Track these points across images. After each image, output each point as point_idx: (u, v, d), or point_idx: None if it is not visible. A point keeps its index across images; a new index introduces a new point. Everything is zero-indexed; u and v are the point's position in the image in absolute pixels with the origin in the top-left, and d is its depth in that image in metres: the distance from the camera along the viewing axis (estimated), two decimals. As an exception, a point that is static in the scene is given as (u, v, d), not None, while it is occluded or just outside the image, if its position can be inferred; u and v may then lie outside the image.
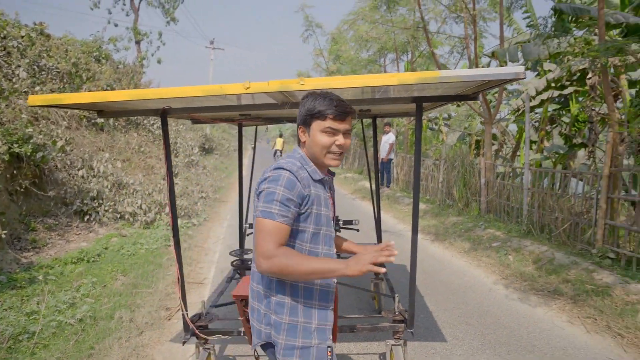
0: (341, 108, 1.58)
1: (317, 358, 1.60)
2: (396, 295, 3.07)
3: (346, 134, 1.63)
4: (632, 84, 7.95)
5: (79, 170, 7.68)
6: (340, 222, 3.38)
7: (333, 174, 1.81)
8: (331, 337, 1.68)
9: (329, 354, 1.64)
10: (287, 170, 1.54)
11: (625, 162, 6.50)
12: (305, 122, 1.64)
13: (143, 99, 2.24)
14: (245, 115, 3.71)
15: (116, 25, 22.75)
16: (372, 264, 1.39)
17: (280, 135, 22.23)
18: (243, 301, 2.39)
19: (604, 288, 4.48)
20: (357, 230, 3.84)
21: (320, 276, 1.44)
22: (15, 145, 5.86)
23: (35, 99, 2.09)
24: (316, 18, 15.11)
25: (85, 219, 7.04)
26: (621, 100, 7.74)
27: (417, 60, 13.01)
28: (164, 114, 2.67)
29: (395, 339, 2.89)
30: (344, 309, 4.19)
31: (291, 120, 4.12)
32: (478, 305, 4.44)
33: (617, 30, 6.52)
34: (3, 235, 5.14)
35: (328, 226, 1.68)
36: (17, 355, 3.03)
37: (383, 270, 1.48)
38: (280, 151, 20.97)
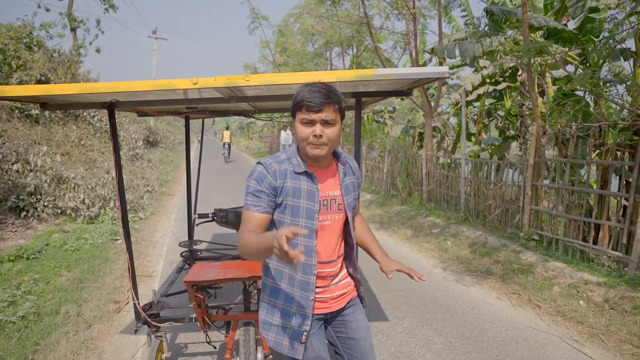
0: (315, 99, 1.58)
1: (291, 338, 1.70)
2: None
3: (326, 123, 1.62)
4: (556, 81, 8.68)
5: (12, 164, 7.29)
6: None
7: (344, 162, 1.82)
8: (309, 325, 1.69)
9: (304, 337, 1.69)
10: (261, 164, 1.67)
11: (552, 152, 7.14)
12: (293, 114, 1.68)
13: (91, 93, 2.27)
14: (192, 108, 3.76)
15: (48, 10, 21.32)
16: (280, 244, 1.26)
17: (227, 128, 22.24)
18: (194, 287, 2.50)
19: (527, 267, 4.96)
20: None
21: (263, 251, 1.42)
22: (-59, 139, 5.50)
23: (-25, 92, 2.06)
24: (262, 10, 15.03)
25: (22, 215, 6.72)
26: (546, 96, 8.43)
27: (363, 55, 13.34)
28: (111, 107, 2.69)
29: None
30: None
31: (238, 113, 4.20)
32: (418, 287, 4.77)
33: (541, 32, 7.09)
34: None
35: (308, 218, 1.67)
36: (-44, 355, 2.95)
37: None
38: (229, 144, 21.02)
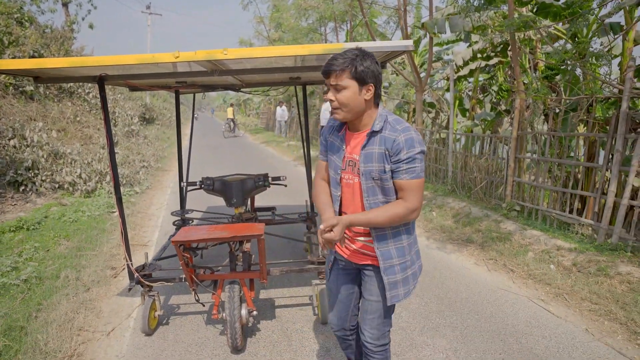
0: (325, 67, 1.73)
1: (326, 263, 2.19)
2: None
3: (336, 89, 1.73)
4: (547, 56, 8.75)
5: (9, 140, 7.44)
6: (270, 179, 3.74)
7: (375, 133, 1.81)
8: (332, 259, 2.13)
9: (330, 266, 2.15)
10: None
11: (542, 127, 7.31)
12: None
13: (80, 66, 2.43)
14: (181, 82, 3.90)
15: (40, -15, 20.99)
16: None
17: (232, 105, 23.48)
18: (182, 246, 2.71)
19: (506, 235, 5.20)
20: (285, 186, 4.22)
21: (319, 211, 1.93)
22: (-61, 114, 5.63)
23: (-28, 65, 2.22)
24: (257, -16, 14.92)
25: (21, 190, 6.92)
26: (537, 71, 8.52)
27: (357, 30, 13.31)
28: (101, 81, 2.84)
29: (320, 279, 3.33)
30: (278, 258, 4.60)
31: (226, 87, 4.34)
32: (401, 254, 5.00)
33: (530, 7, 7.14)
34: None
35: (334, 171, 1.94)
36: (-36, 313, 3.19)
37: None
38: (233, 120, 22.27)
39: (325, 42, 14.76)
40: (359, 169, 1.84)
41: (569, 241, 4.65)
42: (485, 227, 5.62)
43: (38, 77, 2.86)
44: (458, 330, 3.26)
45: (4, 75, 8.87)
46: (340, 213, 1.96)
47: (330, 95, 1.75)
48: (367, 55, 1.74)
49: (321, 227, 1.71)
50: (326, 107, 12.54)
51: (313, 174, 4.97)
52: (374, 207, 1.84)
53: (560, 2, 6.44)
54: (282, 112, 19.87)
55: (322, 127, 12.76)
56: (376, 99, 1.81)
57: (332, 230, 1.69)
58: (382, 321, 2.00)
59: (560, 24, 6.44)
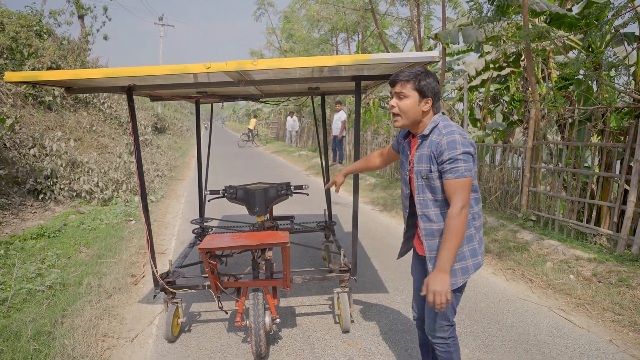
0: (394, 77, 2.00)
1: None
2: (342, 248, 3.53)
3: (399, 96, 1.99)
4: (560, 66, 8.76)
5: (29, 149, 7.59)
6: (292, 187, 3.78)
7: (422, 137, 2.04)
8: (412, 247, 2.39)
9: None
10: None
11: (555, 137, 7.29)
12: None
13: (112, 77, 2.50)
14: (202, 92, 3.98)
15: (57, -2, 21.44)
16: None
17: (255, 116, 24.49)
18: (208, 254, 2.75)
19: (523, 245, 5.18)
20: (307, 195, 4.25)
21: None
22: (-37, 123, 5.78)
23: (12, 76, 2.30)
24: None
25: (40, 198, 7.04)
26: (549, 81, 8.54)
27: (368, 41, 13.43)
28: (129, 91, 2.92)
29: (341, 287, 3.35)
30: (297, 267, 4.62)
31: (245, 97, 4.42)
32: (417, 263, 5.00)
33: (544, 17, 7.18)
34: (-42, 213, 5.15)
35: (404, 170, 2.19)
36: (-8, 318, 3.25)
37: None
38: (252, 130, 23.08)
39: (337, 53, 14.89)
40: (412, 167, 2.09)
41: (587, 251, 4.62)
42: (501, 236, 5.60)
43: (69, 87, 2.94)
44: (480, 340, 3.25)
45: (24, 86, 9.07)
46: (411, 207, 2.22)
47: (393, 102, 2.00)
48: (430, 73, 1.98)
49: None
50: (338, 117, 12.61)
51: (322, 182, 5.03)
52: (423, 204, 2.05)
53: (574, 13, 6.48)
54: (292, 123, 20.00)
55: (335, 136, 12.84)
56: (435, 110, 2.04)
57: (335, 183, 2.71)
58: (436, 313, 2.09)
59: (574, 34, 6.47)
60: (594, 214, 5.15)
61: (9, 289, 3.70)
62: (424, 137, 2.02)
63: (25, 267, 4.16)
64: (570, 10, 7.22)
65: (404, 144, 2.20)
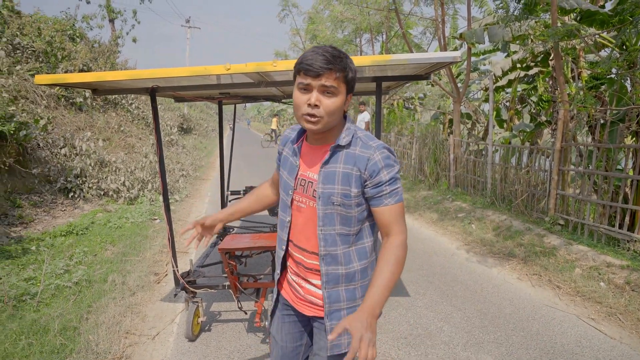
0: (316, 61, 1.35)
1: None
2: None
3: (326, 92, 1.39)
4: (591, 65, 8.48)
5: (61, 148, 7.83)
6: None
7: (341, 148, 1.50)
8: (275, 299, 1.73)
9: (272, 308, 1.75)
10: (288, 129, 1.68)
11: (585, 139, 7.06)
12: (294, 78, 1.47)
13: (136, 79, 2.54)
14: (225, 93, 4.02)
15: (88, 2, 22.21)
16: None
17: (275, 115, 25.02)
18: (227, 254, 2.77)
19: (550, 250, 5.02)
20: None
21: None
22: (-2, 124, 6.01)
23: (42, 79, 2.37)
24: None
25: (70, 196, 7.25)
26: (580, 80, 8.27)
27: (392, 41, 13.32)
28: (152, 92, 2.97)
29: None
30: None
31: (268, 98, 4.44)
32: (441, 267, 4.92)
33: (574, 15, 6.96)
34: (-8, 210, 5.36)
35: (285, 191, 1.58)
36: (23, 312, 3.36)
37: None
38: (275, 130, 23.47)
39: (360, 54, 14.83)
40: (315, 190, 1.50)
41: (620, 258, 4.44)
42: (527, 241, 5.45)
43: (96, 89, 3.01)
44: (503, 347, 3.16)
45: (57, 88, 9.37)
46: (287, 242, 1.62)
47: (314, 99, 1.38)
48: (351, 59, 1.46)
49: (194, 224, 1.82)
50: (361, 118, 12.55)
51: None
52: (329, 240, 1.51)
53: (606, 10, 6.25)
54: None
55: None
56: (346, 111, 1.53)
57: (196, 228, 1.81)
58: None
59: (607, 31, 6.24)
60: (627, 218, 4.95)
61: (38, 284, 3.82)
62: (338, 148, 1.49)
63: (54, 264, 4.29)
64: (602, 6, 6.97)
65: (288, 152, 1.60)
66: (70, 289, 3.85)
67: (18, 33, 9.48)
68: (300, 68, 1.38)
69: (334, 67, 1.37)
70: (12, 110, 6.29)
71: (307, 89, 1.39)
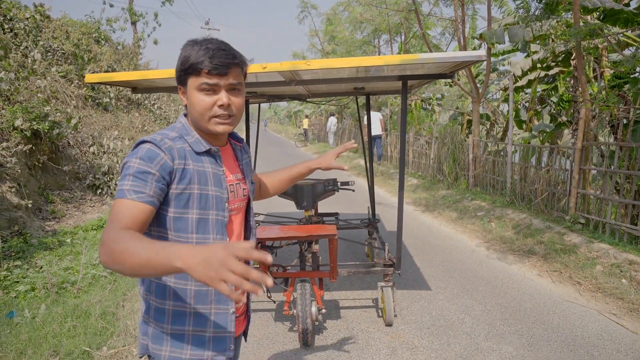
0: (220, 58, 1.21)
1: None
2: (386, 244, 3.61)
3: (233, 90, 1.27)
4: (614, 64, 8.42)
5: (90, 147, 8.13)
6: (339, 183, 3.90)
7: (241, 139, 1.51)
8: (233, 347, 1.34)
9: None
10: (148, 142, 1.22)
11: (607, 138, 7.05)
12: (181, 79, 1.28)
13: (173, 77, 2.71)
14: (252, 92, 4.17)
15: (112, 6, 22.77)
16: (235, 268, 0.85)
17: (306, 116, 26.51)
18: (259, 244, 2.91)
19: (571, 247, 5.05)
20: (353, 190, 4.35)
21: (158, 269, 0.96)
22: (34, 122, 6.29)
23: (91, 77, 2.56)
24: (311, -1, 15.44)
25: (98, 193, 7.53)
26: (602, 80, 8.22)
27: (411, 42, 13.38)
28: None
29: (385, 281, 3.43)
30: (341, 262, 4.74)
31: (292, 97, 4.58)
32: (461, 263, 5.00)
33: (597, 14, 6.95)
34: (30, 205, 5.63)
35: (219, 209, 1.30)
36: (64, 298, 3.57)
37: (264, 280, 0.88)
38: (306, 130, 24.94)
39: (379, 54, 14.92)
40: (244, 189, 1.44)
41: (641, 255, 4.46)
42: (548, 239, 5.48)
43: (135, 87, 3.20)
44: (524, 338, 3.24)
45: (85, 89, 9.70)
46: None
47: (226, 100, 1.25)
48: None
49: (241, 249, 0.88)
50: (375, 117, 12.63)
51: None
52: (248, 231, 1.49)
53: (631, 8, 6.23)
54: (335, 121, 20.18)
55: (374, 136, 12.89)
56: None
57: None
58: None
59: (631, 30, 6.23)
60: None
61: (76, 273, 4.03)
62: (239, 141, 1.52)
63: (89, 255, 4.50)
64: (627, 4, 6.94)
65: (200, 163, 1.28)
66: (106, 278, 4.05)
67: (49, 37, 9.85)
68: (202, 67, 1.21)
69: (239, 62, 1.27)
70: (47, 110, 6.57)
71: (213, 89, 1.24)
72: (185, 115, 1.36)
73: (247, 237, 1.49)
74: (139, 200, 1.14)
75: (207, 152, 1.31)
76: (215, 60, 1.20)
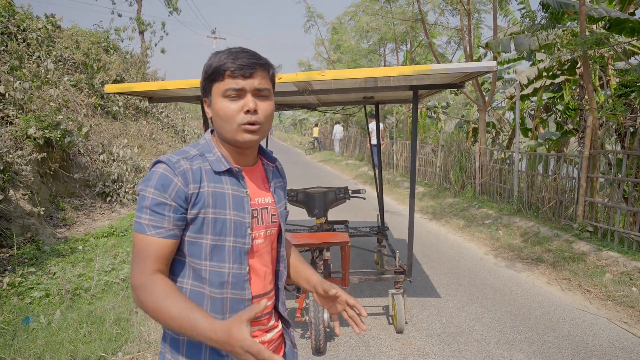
0: (243, 59, 1.13)
1: None
2: (397, 251, 3.64)
3: (260, 95, 1.16)
4: (620, 73, 8.45)
5: (99, 155, 8.23)
6: (350, 192, 3.94)
7: (274, 159, 1.35)
8: None
9: None
10: (163, 163, 1.13)
11: (614, 146, 7.06)
12: (205, 89, 1.19)
13: (192, 87, 2.78)
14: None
15: (120, 16, 23.11)
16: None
17: (316, 125, 26.62)
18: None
19: (580, 255, 5.06)
20: (364, 199, 4.39)
21: (183, 331, 1.01)
22: (47, 131, 6.39)
23: (111, 87, 2.63)
24: (317, 8, 15.62)
25: (108, 200, 7.60)
26: (608, 88, 8.25)
27: (417, 50, 13.48)
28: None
29: (396, 288, 3.46)
30: (350, 269, 4.78)
31: (303, 106, 4.65)
32: (469, 271, 5.01)
33: (603, 23, 7.00)
34: (42, 212, 5.71)
35: (238, 236, 1.18)
36: (79, 305, 3.61)
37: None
38: (317, 138, 25.04)
39: (385, 63, 15.02)
40: (273, 215, 1.28)
41: (651, 264, 4.46)
42: (556, 246, 5.49)
43: (151, 97, 3.27)
44: (535, 346, 3.25)
45: (94, 97, 9.84)
46: (248, 304, 1.19)
47: (252, 104, 1.13)
48: None
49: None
50: (340, 131, 12.59)
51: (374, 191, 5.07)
52: (280, 263, 1.34)
53: (637, 17, 6.28)
54: (341, 129, 20.26)
55: (374, 145, 12.94)
56: None
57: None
58: None
59: (637, 39, 6.27)
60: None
61: (89, 279, 4.09)
62: (272, 162, 1.35)
63: (102, 261, 4.56)
64: (632, 14, 6.99)
65: (220, 184, 1.17)
66: (119, 285, 4.10)
67: (62, 47, 10.02)
68: (225, 69, 1.12)
69: (264, 63, 1.17)
70: (59, 118, 6.67)
71: (238, 94, 1.13)
72: (212, 131, 1.26)
73: (277, 269, 1.33)
74: (159, 237, 1.10)
75: (229, 172, 1.19)
76: (238, 61, 1.12)
